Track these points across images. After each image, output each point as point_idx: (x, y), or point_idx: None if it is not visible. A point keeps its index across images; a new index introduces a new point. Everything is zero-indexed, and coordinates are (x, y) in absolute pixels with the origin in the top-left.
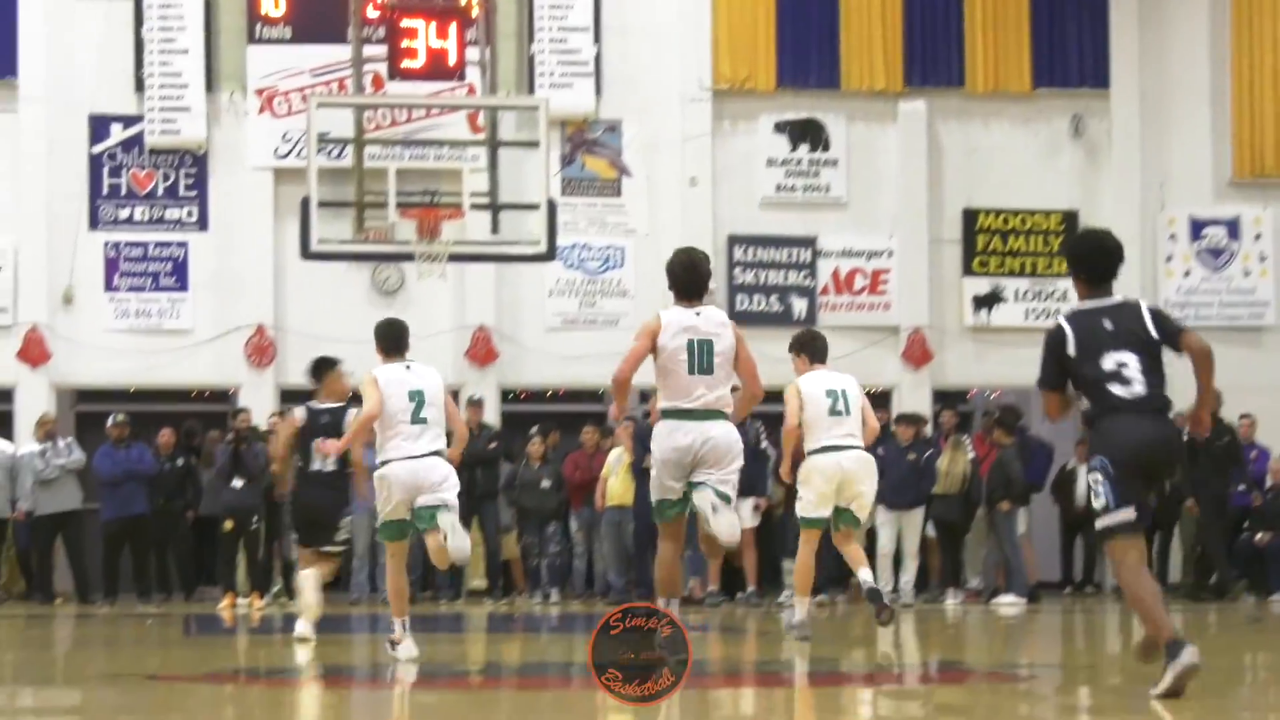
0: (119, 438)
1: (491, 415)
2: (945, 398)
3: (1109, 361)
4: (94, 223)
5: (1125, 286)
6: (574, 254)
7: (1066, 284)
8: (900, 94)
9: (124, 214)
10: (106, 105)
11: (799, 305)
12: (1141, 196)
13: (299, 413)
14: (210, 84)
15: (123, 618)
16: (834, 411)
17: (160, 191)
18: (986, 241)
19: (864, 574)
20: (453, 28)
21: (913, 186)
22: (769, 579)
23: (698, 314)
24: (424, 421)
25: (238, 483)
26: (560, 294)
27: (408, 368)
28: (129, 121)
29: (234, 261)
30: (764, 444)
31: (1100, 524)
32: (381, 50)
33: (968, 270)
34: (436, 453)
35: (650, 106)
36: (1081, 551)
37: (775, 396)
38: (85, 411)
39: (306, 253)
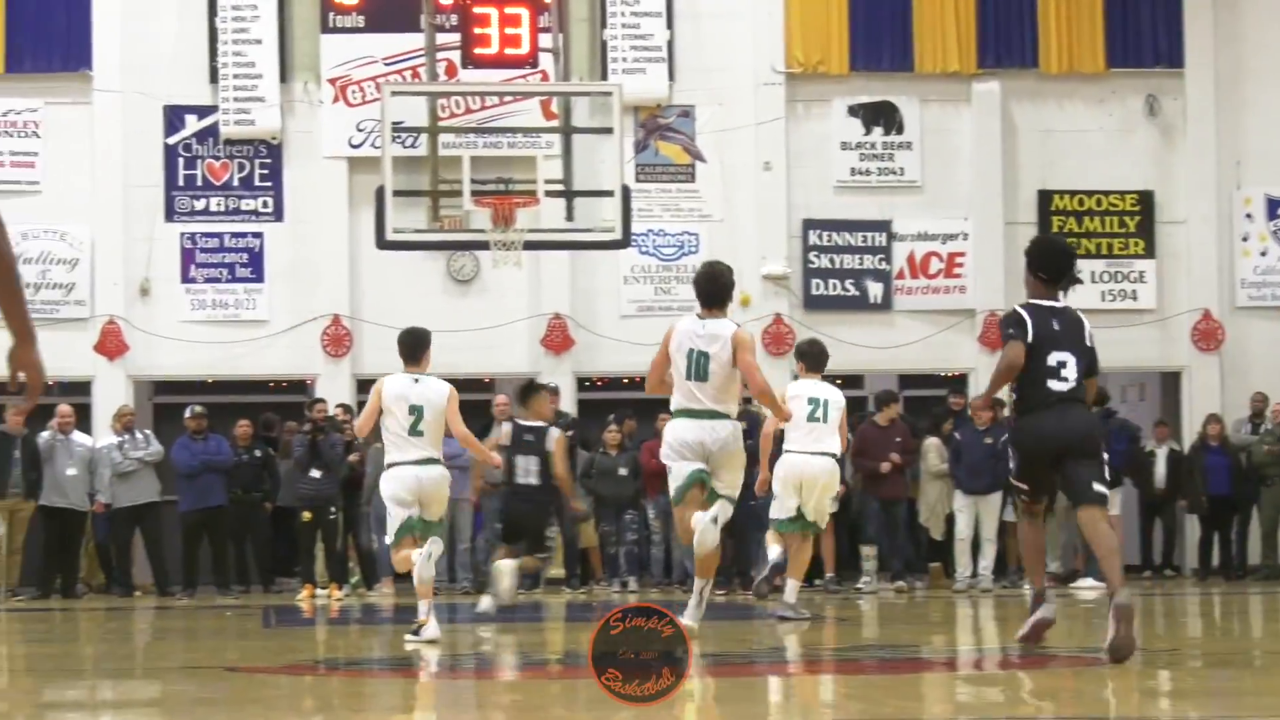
0: (196, 429)
1: (567, 403)
2: None
3: (1053, 359)
4: (170, 214)
5: (1201, 265)
6: (648, 240)
7: (1144, 265)
8: (974, 75)
9: (199, 205)
10: (181, 96)
11: (874, 289)
12: (1217, 176)
13: (506, 427)
14: (284, 74)
15: (201, 609)
16: (811, 418)
17: (235, 182)
18: (1061, 223)
19: (789, 585)
20: (525, 14)
21: (987, 168)
22: (848, 564)
23: (703, 326)
24: (420, 434)
25: (315, 473)
26: (635, 281)
27: (416, 380)
28: (204, 112)
29: (309, 251)
30: None
31: (1012, 482)
32: (455, 38)
33: None
34: (431, 460)
35: (723, 91)
36: (1160, 534)
37: (851, 381)
38: (162, 403)
39: (381, 242)
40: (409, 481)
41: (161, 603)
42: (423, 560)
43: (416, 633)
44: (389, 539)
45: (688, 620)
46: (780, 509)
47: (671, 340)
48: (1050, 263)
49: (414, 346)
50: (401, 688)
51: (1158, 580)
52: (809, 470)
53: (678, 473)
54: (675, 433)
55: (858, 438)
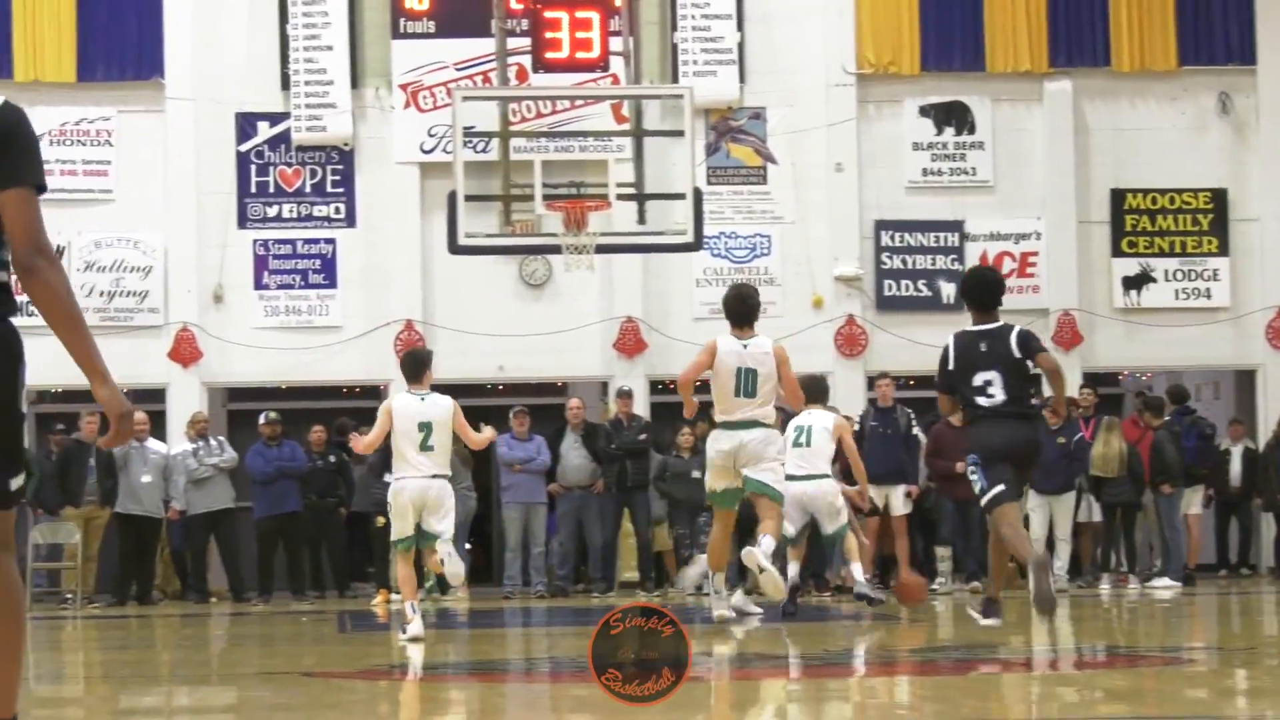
0: (271, 436)
1: (641, 407)
2: (1096, 380)
3: (978, 378)
4: (242, 221)
5: (1275, 262)
6: (720, 243)
7: (1218, 263)
8: (1045, 74)
9: (272, 211)
10: (253, 103)
11: (947, 289)
12: None
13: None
14: (355, 80)
15: (277, 615)
16: (796, 444)
17: (307, 188)
18: (1135, 222)
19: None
20: (596, 18)
21: (1059, 167)
22: (923, 566)
23: (745, 345)
24: (430, 449)
25: (389, 478)
26: (707, 283)
27: (422, 399)
28: (275, 119)
29: (381, 257)
30: (915, 430)
31: (984, 502)
32: (525, 42)
33: (1116, 251)
34: (440, 475)
35: (794, 93)
36: (1236, 534)
37: (924, 382)
38: (236, 410)
39: (454, 247)
40: (415, 495)
41: (237, 609)
42: (449, 556)
43: (404, 630)
44: (393, 544)
45: (721, 610)
46: (789, 527)
47: (716, 359)
48: (974, 293)
49: (416, 366)
50: (479, 692)
51: (1234, 579)
52: (808, 492)
53: (709, 487)
54: (714, 444)
55: (932, 439)
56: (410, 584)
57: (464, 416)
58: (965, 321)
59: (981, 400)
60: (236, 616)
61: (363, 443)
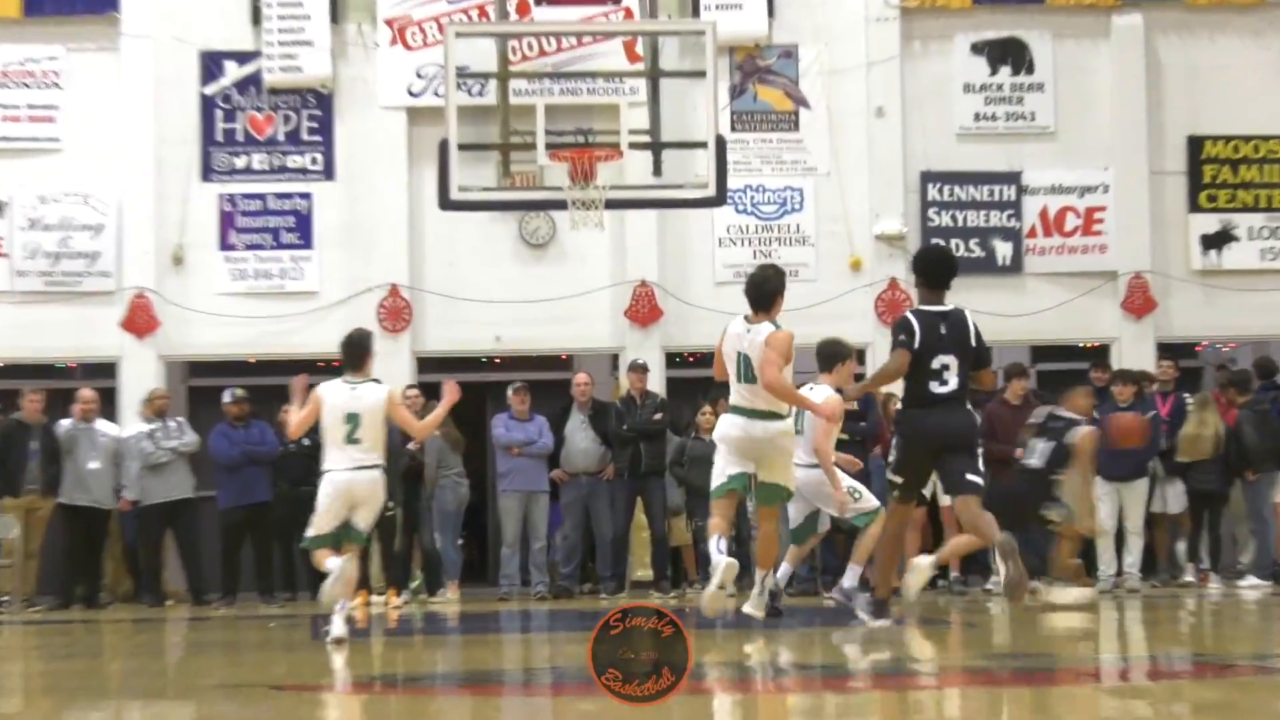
0: (237, 415)
1: (656, 382)
2: (1172, 351)
3: (937, 362)
4: (206, 173)
5: None
6: (746, 197)
7: None
8: (1113, 7)
9: (240, 163)
10: (220, 41)
11: (1003, 250)
12: None
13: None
14: (335, 14)
15: (242, 620)
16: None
17: (281, 136)
18: (1215, 173)
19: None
20: None
21: (1129, 112)
22: (974, 564)
23: (748, 330)
24: (357, 441)
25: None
26: (731, 243)
27: (353, 388)
28: (244, 58)
29: (364, 214)
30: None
31: (888, 477)
32: None
33: (1194, 206)
34: (368, 466)
35: (830, 28)
36: None
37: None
38: (198, 386)
39: (445, 202)
40: (341, 487)
41: (197, 612)
42: (340, 566)
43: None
44: (306, 540)
45: (750, 609)
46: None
47: (723, 343)
48: (931, 271)
49: (353, 353)
50: (471, 707)
51: None
52: (808, 480)
53: (718, 473)
54: (723, 428)
55: (984, 419)
56: (340, 585)
57: (402, 405)
58: (1024, 284)
59: (935, 385)
60: (196, 621)
61: (290, 425)
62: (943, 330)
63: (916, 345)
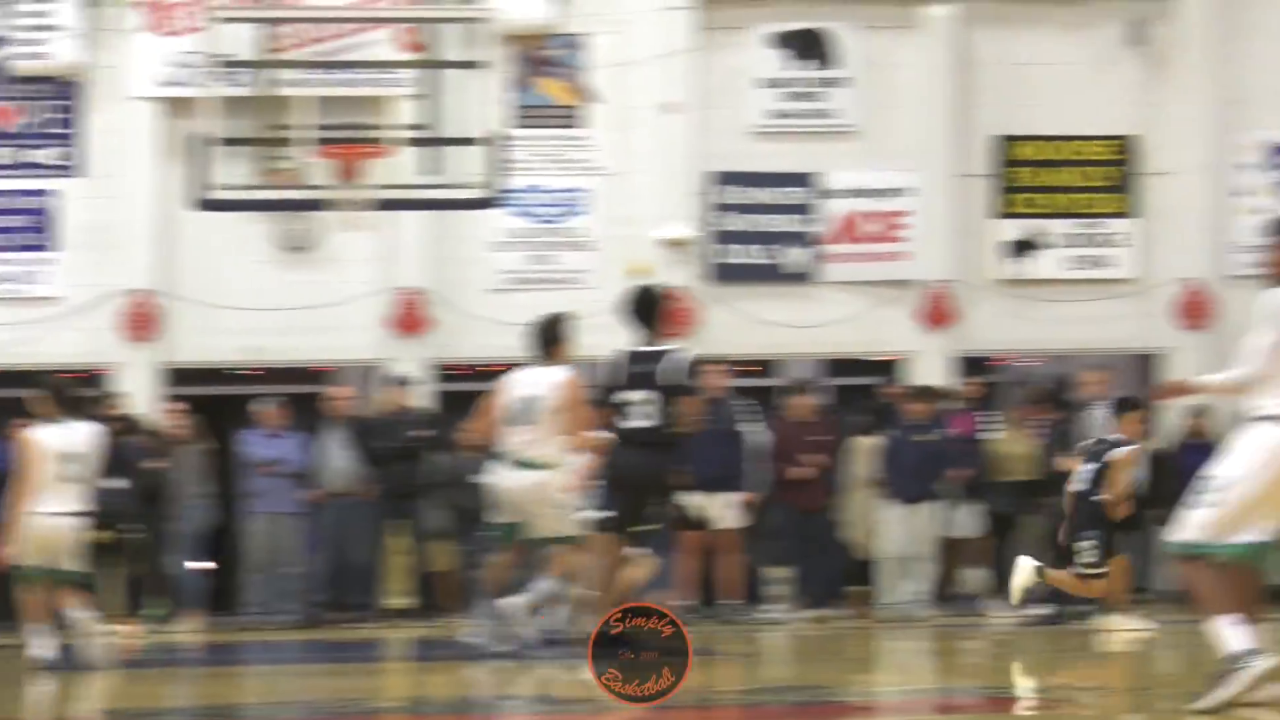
0: None
1: (429, 396)
2: (972, 367)
3: (621, 397)
4: None
5: (1188, 222)
6: (524, 198)
7: (1120, 225)
8: None
9: None
10: None
11: (797, 256)
12: (1213, 118)
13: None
14: None
15: None
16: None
17: (24, 129)
18: (1023, 176)
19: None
20: None
21: (937, 110)
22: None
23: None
24: (72, 483)
25: (115, 482)
26: (507, 247)
27: (67, 430)
28: None
29: (111, 214)
30: (747, 426)
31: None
32: None
33: (1000, 211)
34: (80, 513)
35: (620, 17)
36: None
37: (766, 368)
38: None
39: (200, 201)
40: (48, 533)
41: None
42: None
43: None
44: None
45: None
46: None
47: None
48: (633, 313)
49: (65, 395)
50: None
51: None
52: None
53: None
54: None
55: (775, 439)
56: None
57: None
58: (816, 292)
59: (621, 422)
60: None
61: (19, 488)
62: (635, 369)
63: (604, 380)
